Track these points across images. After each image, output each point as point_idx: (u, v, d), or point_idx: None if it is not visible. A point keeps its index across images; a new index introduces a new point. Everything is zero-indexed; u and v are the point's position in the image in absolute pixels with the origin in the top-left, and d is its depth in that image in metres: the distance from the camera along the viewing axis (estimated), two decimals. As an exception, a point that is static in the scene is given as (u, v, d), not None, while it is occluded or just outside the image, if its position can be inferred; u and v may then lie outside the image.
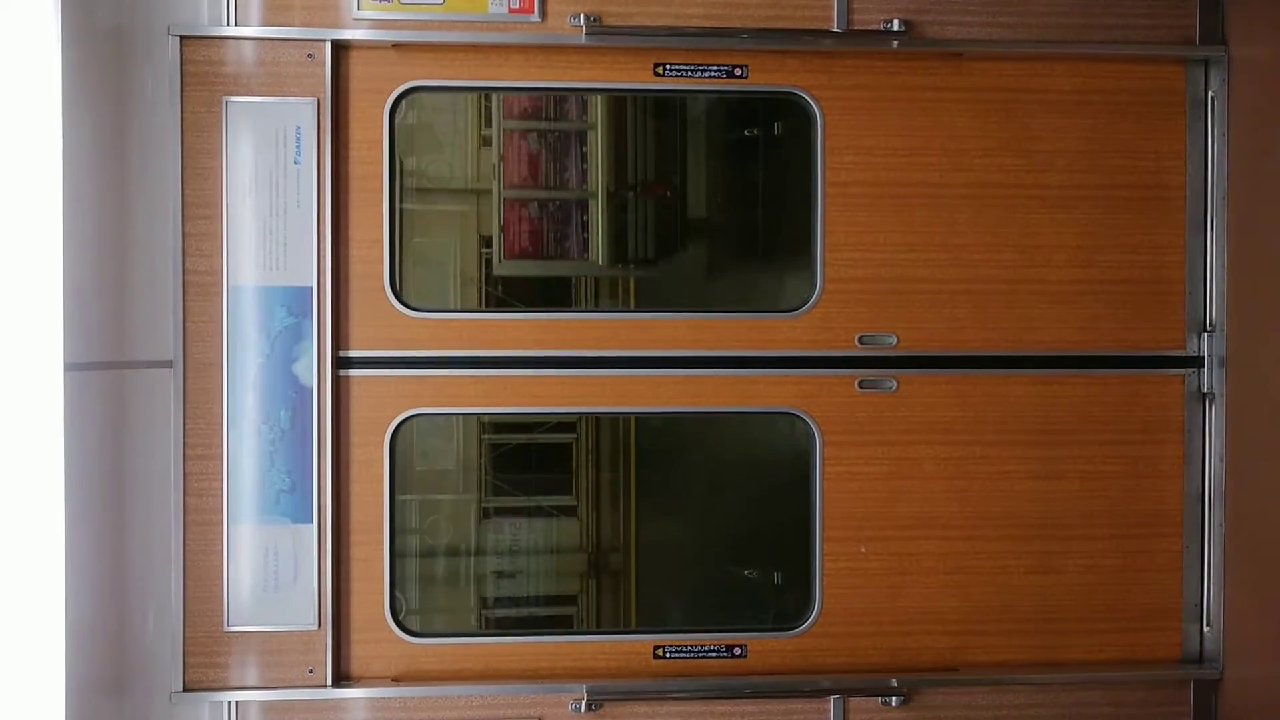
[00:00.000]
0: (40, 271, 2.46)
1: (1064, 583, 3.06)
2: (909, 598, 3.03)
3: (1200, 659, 3.08)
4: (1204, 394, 3.07)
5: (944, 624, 3.04)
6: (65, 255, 2.48)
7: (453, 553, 3.39)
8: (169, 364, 2.85)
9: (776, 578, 3.28)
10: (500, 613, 3.42)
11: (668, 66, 2.97)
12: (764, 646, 3.02)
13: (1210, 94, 3.06)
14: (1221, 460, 3.03)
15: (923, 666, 3.02)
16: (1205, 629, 3.07)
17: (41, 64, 2.46)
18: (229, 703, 2.89)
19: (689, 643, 3.00)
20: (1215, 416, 3.05)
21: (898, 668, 3.02)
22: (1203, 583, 3.07)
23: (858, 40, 2.98)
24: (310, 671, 2.88)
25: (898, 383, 3.02)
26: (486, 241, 3.40)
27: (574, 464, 3.47)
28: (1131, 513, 3.07)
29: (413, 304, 2.95)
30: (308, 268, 2.87)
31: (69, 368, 2.48)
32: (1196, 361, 3.08)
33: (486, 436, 3.37)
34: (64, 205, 2.48)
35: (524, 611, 3.43)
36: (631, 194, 3.52)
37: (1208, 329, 3.07)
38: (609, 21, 2.93)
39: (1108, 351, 3.07)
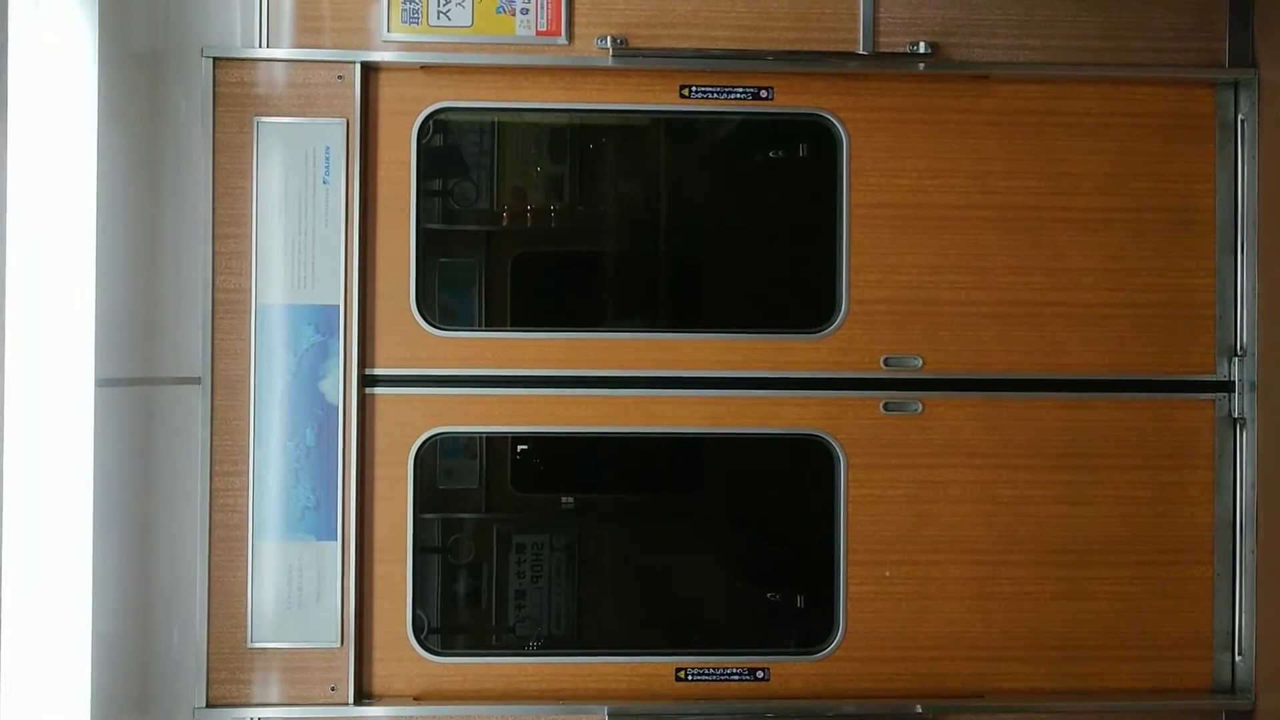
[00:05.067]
0: (74, 289, 2.50)
1: (1092, 609, 3.02)
2: (934, 622, 3.00)
3: (1232, 689, 3.03)
4: (1235, 419, 3.04)
5: (970, 650, 3.01)
6: (98, 273, 2.51)
7: (475, 571, 3.39)
8: (197, 380, 2.87)
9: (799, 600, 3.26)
10: (522, 632, 3.41)
11: (693, 88, 2.99)
12: (787, 670, 3.00)
13: (1240, 117, 3.04)
14: (1253, 486, 2.99)
15: (948, 693, 2.99)
16: (1237, 658, 3.02)
17: (78, 85, 2.50)
18: (251, 719, 2.90)
19: (711, 665, 2.99)
20: (1246, 442, 3.01)
21: (923, 693, 2.98)
22: (1234, 611, 3.02)
23: (883, 63, 2.98)
24: (332, 689, 2.89)
25: (923, 405, 3.00)
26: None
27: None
28: (1161, 539, 3.03)
29: (438, 322, 2.97)
30: (335, 286, 2.89)
31: (100, 383, 2.52)
32: (1227, 386, 3.04)
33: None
34: (98, 224, 2.52)
35: (545, 631, 3.42)
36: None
37: (1238, 354, 3.04)
38: (635, 44, 2.95)
39: (1136, 375, 3.04)
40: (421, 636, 2.96)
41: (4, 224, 2.44)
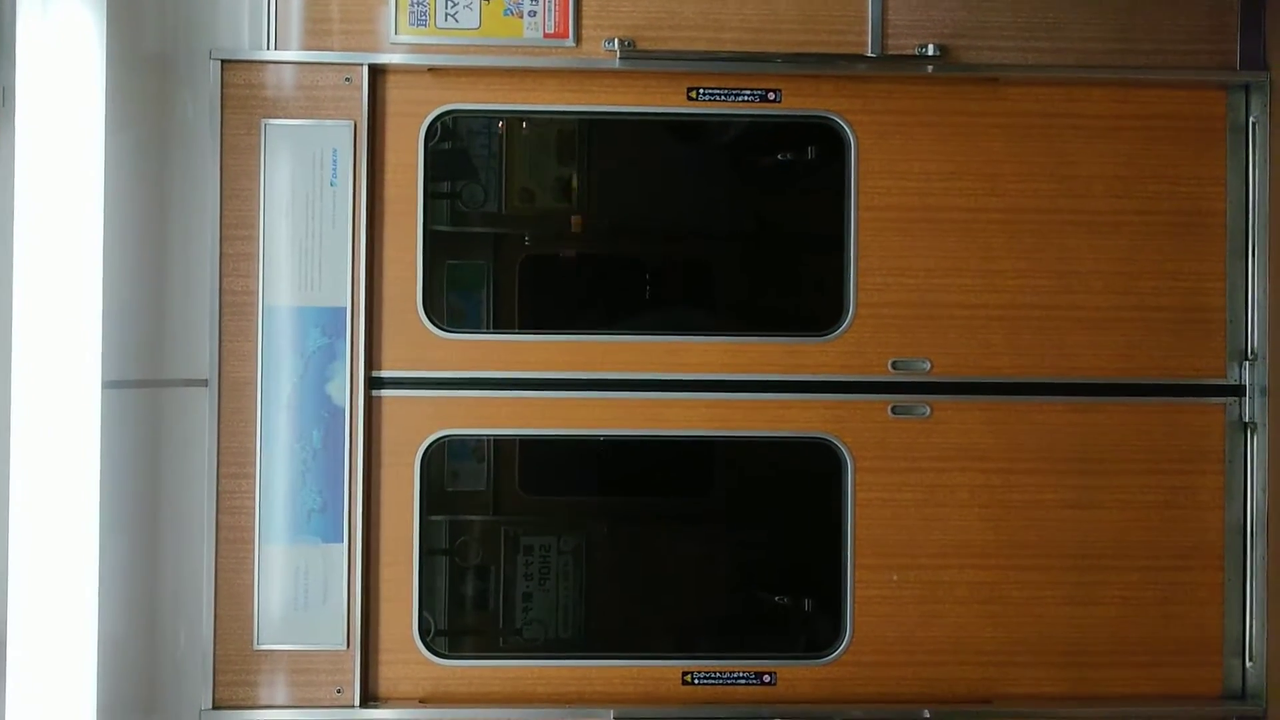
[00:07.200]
0: (81, 290, 2.50)
1: (1101, 614, 3.00)
2: (941, 627, 2.99)
3: (1242, 695, 3.01)
4: (1245, 424, 3.02)
5: (977, 655, 2.99)
6: (105, 274, 2.52)
7: (482, 574, 3.39)
8: (204, 382, 2.88)
9: (807, 604, 3.25)
10: (528, 635, 3.41)
11: (701, 90, 2.98)
12: (794, 674, 2.99)
13: (1251, 120, 3.02)
14: (1264, 491, 2.97)
15: (955, 698, 2.98)
16: (1248, 664, 3.00)
17: (86, 87, 2.51)
18: (257, 721, 2.90)
19: (718, 669, 2.98)
20: (1257, 447, 3.00)
21: (930, 699, 2.97)
22: (1244, 616, 3.00)
23: (892, 65, 2.97)
24: (338, 691, 2.89)
25: (931, 409, 2.99)
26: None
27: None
28: (1171, 544, 3.01)
29: (445, 325, 2.97)
30: (342, 288, 2.89)
31: (107, 385, 2.52)
32: (1238, 390, 3.02)
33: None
34: (105, 226, 2.52)
35: (552, 634, 3.41)
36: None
37: (1249, 357, 3.02)
38: (643, 46, 2.94)
39: (1146, 379, 3.02)
40: (428, 639, 2.95)
41: (11, 225, 2.44)
